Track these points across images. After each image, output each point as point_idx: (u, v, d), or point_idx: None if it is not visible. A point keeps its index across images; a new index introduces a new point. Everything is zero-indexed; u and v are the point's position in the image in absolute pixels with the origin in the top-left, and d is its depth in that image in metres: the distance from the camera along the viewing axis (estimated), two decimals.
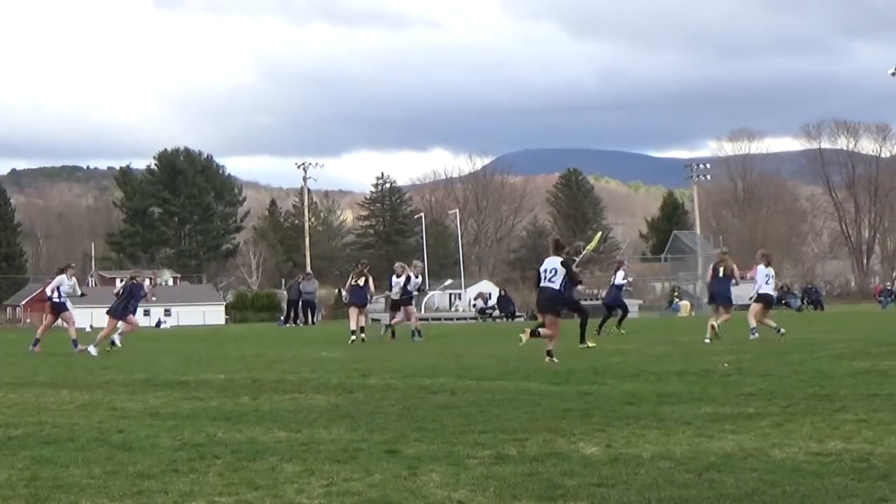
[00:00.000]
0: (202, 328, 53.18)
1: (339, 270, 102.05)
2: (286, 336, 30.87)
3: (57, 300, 21.91)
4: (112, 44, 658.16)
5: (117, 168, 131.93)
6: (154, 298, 25.03)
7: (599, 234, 20.29)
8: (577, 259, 16.94)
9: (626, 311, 26.56)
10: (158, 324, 66.40)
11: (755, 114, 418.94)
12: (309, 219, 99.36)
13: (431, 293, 71.51)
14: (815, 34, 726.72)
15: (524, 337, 15.39)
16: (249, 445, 7.44)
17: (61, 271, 22.50)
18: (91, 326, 35.89)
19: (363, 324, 24.33)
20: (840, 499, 5.44)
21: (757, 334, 20.09)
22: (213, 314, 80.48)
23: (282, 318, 46.76)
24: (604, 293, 32.81)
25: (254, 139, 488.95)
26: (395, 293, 24.60)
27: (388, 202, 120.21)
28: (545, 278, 15.40)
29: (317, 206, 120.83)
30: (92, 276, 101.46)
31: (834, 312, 50.84)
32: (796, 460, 6.51)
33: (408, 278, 24.43)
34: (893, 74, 61.15)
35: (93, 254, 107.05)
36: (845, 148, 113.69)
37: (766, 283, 21.05)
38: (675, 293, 60.18)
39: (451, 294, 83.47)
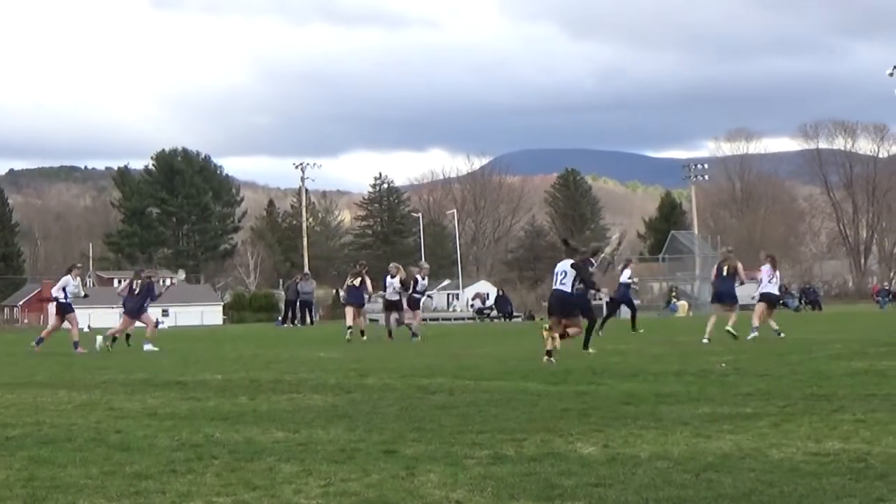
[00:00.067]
0: (200, 328, 53.15)
1: (337, 271, 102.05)
2: (284, 336, 30.85)
3: (63, 300, 21.92)
4: (110, 44, 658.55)
5: (115, 168, 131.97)
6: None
7: (618, 234, 20.18)
8: (596, 262, 16.73)
9: (634, 309, 26.59)
10: (157, 324, 66.25)
11: (753, 114, 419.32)
12: (307, 219, 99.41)
13: (428, 293, 71.43)
14: (814, 34, 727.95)
15: (555, 343, 15.37)
16: (247, 446, 7.44)
17: (68, 271, 22.55)
18: (89, 327, 35.84)
19: (362, 326, 24.41)
20: (838, 499, 5.44)
21: (757, 332, 20.14)
22: (211, 314, 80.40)
23: (279, 318, 46.75)
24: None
25: (251, 139, 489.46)
26: (389, 293, 24.69)
27: (385, 202, 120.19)
28: (557, 281, 15.45)
29: (314, 207, 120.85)
30: (90, 277, 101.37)
31: (832, 312, 50.90)
32: (794, 460, 6.51)
33: (415, 281, 24.55)
34: (891, 75, 61.22)
35: (90, 254, 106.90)
36: (843, 148, 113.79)
37: (770, 281, 21.17)
38: (673, 293, 60.10)
39: (448, 294, 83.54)
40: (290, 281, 47.16)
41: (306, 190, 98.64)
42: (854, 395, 9.94)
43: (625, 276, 26.19)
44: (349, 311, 24.39)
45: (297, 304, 42.87)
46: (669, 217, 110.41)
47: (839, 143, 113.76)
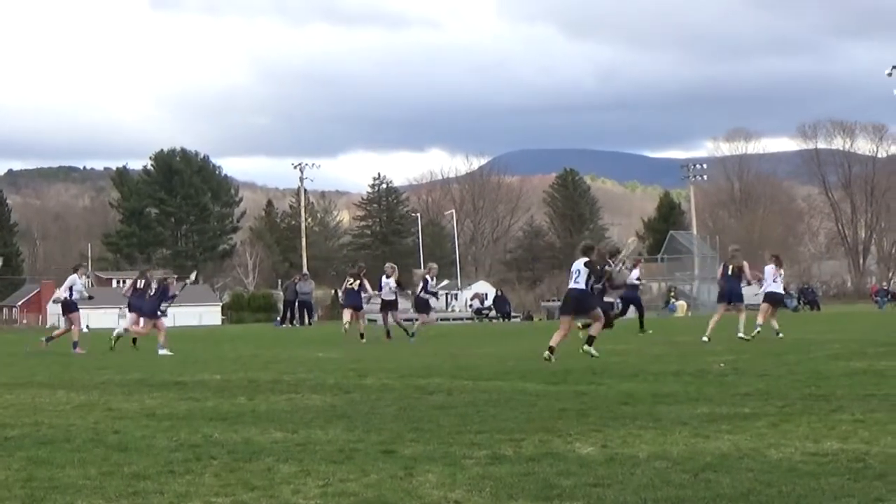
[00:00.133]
0: (199, 329, 53.10)
1: (336, 271, 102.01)
2: (282, 336, 30.85)
3: (70, 299, 21.88)
4: (108, 44, 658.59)
5: (114, 168, 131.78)
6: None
7: (633, 239, 20.45)
8: (614, 262, 16.84)
9: (642, 310, 26.60)
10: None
11: (752, 114, 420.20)
12: (305, 219, 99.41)
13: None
14: (813, 34, 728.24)
15: (590, 350, 15.47)
16: (246, 446, 7.44)
17: (74, 270, 22.52)
18: (87, 327, 35.79)
19: (361, 329, 24.43)
20: (836, 499, 5.44)
21: (759, 329, 20.16)
22: (210, 315, 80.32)
23: (278, 318, 46.72)
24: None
25: (250, 139, 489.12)
26: (385, 293, 24.76)
27: (384, 203, 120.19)
28: (572, 279, 15.54)
29: (313, 207, 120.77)
30: (88, 277, 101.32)
31: (830, 313, 50.91)
32: (792, 460, 6.51)
33: (425, 281, 24.65)
34: (890, 75, 61.30)
35: (89, 254, 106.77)
36: (842, 148, 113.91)
37: (774, 281, 21.25)
38: (672, 293, 60.10)
39: (447, 294, 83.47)
40: (289, 281, 47.16)
41: (305, 190, 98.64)
42: (852, 395, 9.94)
43: (632, 276, 26.21)
44: (346, 312, 24.53)
45: (296, 304, 42.89)
46: (668, 217, 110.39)
47: (838, 144, 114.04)
